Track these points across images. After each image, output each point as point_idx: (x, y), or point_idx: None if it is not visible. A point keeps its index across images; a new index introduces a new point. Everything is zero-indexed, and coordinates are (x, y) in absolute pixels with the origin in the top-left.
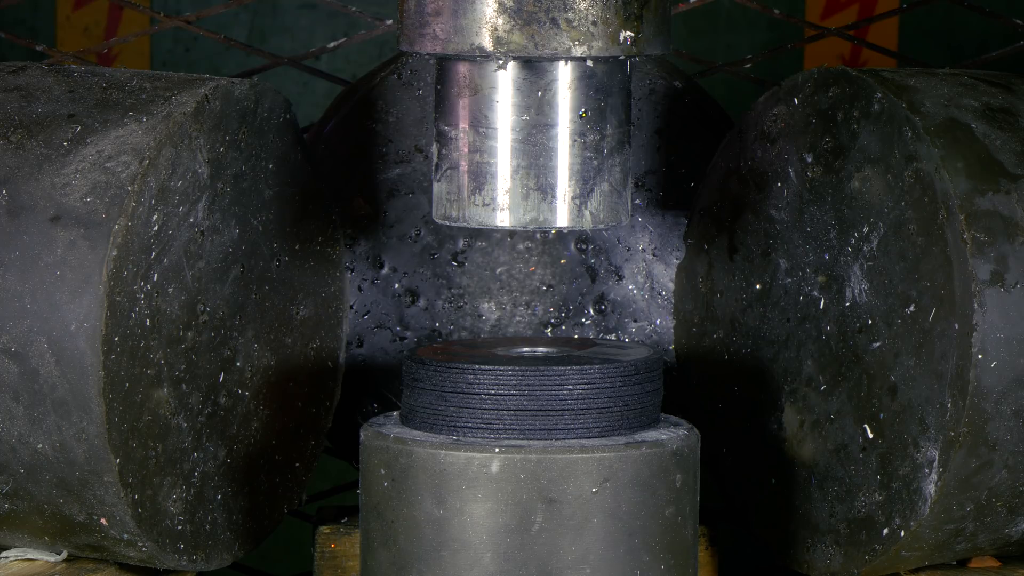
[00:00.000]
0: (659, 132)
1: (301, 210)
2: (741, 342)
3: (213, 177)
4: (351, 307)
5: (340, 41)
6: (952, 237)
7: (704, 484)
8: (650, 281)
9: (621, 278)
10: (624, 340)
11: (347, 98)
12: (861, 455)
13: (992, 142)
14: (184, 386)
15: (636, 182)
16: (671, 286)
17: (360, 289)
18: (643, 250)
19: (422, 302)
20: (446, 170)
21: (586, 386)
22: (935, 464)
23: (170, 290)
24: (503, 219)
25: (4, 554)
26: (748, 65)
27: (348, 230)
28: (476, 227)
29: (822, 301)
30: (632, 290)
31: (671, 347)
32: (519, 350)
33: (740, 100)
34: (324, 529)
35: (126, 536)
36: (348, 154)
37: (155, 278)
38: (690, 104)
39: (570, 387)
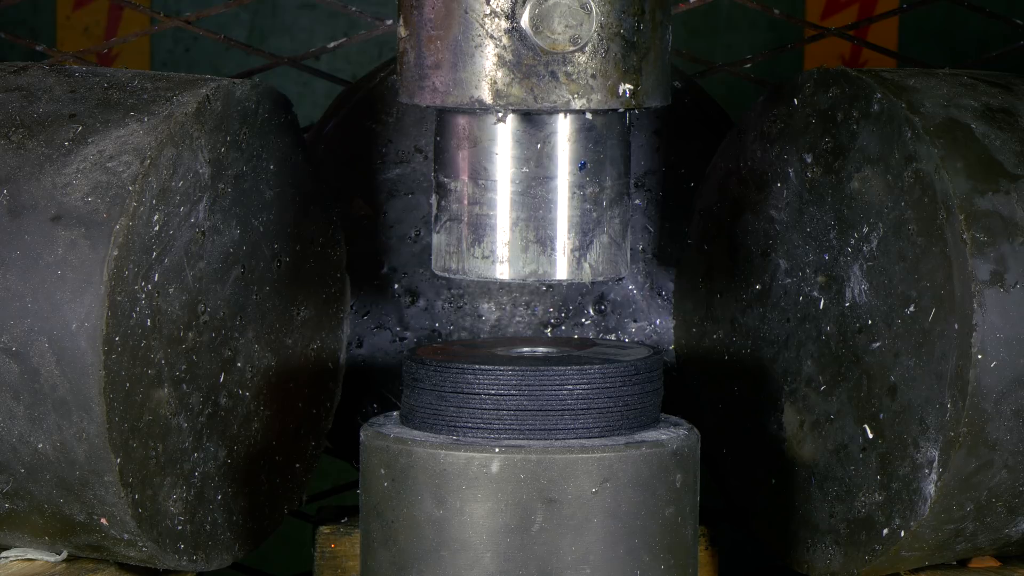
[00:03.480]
0: (658, 132)
1: (302, 211)
2: (741, 342)
3: (214, 177)
4: (351, 307)
5: (340, 41)
6: (952, 237)
7: (704, 484)
8: (650, 281)
9: (621, 278)
10: (624, 340)
11: (347, 98)
12: (861, 455)
13: (992, 142)
14: (185, 386)
15: (636, 182)
16: (671, 286)
17: (360, 289)
18: (643, 250)
19: (422, 302)
20: (445, 222)
21: (586, 386)
22: (935, 464)
23: (171, 290)
24: (502, 272)
25: (4, 554)
26: (748, 65)
27: (348, 230)
28: (475, 279)
29: (822, 301)
30: (632, 290)
31: (671, 347)
32: (519, 350)
33: (740, 100)
34: (324, 529)
35: (126, 536)
36: (348, 154)
37: (156, 278)
38: (689, 104)
39: (570, 387)
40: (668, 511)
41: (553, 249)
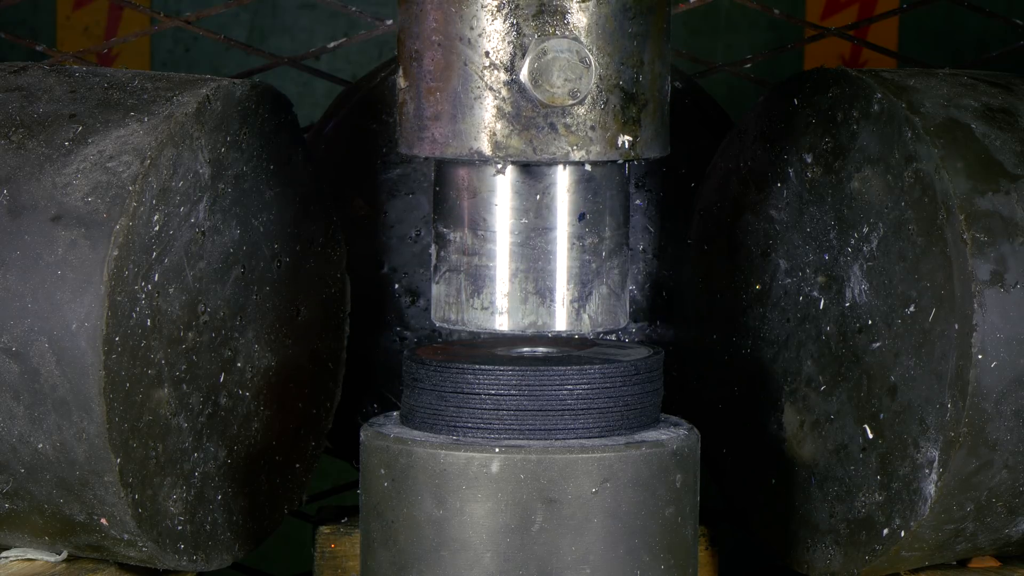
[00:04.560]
0: None
1: (302, 211)
2: (741, 342)
3: (214, 177)
4: (351, 307)
5: (340, 41)
6: (952, 237)
7: (704, 484)
8: (650, 281)
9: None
10: (624, 340)
11: (347, 98)
12: (861, 455)
13: (992, 142)
14: (185, 386)
15: (636, 182)
16: (671, 286)
17: (360, 289)
18: (643, 250)
19: (422, 302)
20: (445, 272)
21: (586, 386)
22: (935, 464)
23: (171, 290)
24: (502, 323)
25: (4, 554)
26: (748, 65)
27: (348, 230)
28: (475, 331)
29: (822, 301)
30: (632, 290)
31: (671, 347)
32: (519, 350)
33: (740, 100)
34: (324, 529)
35: (126, 536)
36: (348, 154)
37: (156, 278)
38: (690, 104)
39: (570, 387)
40: (668, 511)
41: (552, 300)
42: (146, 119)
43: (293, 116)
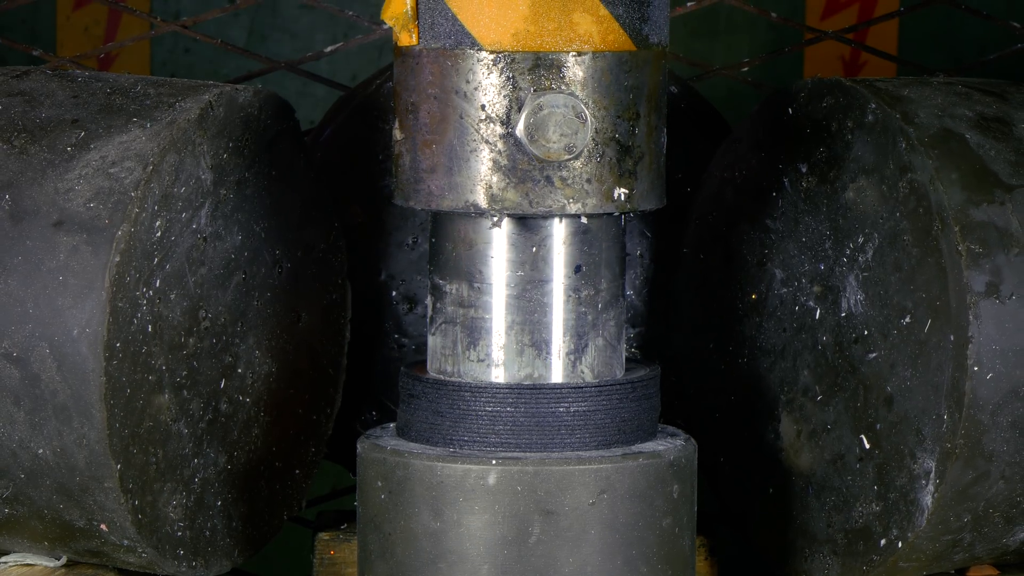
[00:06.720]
0: None
1: (303, 217)
2: (737, 351)
3: (216, 183)
4: (350, 314)
5: (337, 46)
6: (947, 248)
7: (702, 494)
8: (648, 287)
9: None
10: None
11: (344, 105)
12: (858, 465)
13: (986, 152)
14: (185, 392)
15: None
16: (669, 292)
17: (358, 296)
18: (641, 255)
19: (420, 309)
20: (441, 324)
21: (583, 404)
22: (932, 475)
23: (172, 296)
24: (498, 375)
25: (4, 559)
26: (745, 68)
27: (345, 237)
28: (471, 383)
29: (818, 311)
30: (631, 296)
31: (668, 354)
32: None
33: (741, 102)
34: (324, 536)
35: (126, 542)
36: (345, 161)
37: (157, 284)
38: (686, 109)
39: (566, 405)
40: (665, 522)
41: (548, 353)
42: (148, 125)
43: (295, 122)
